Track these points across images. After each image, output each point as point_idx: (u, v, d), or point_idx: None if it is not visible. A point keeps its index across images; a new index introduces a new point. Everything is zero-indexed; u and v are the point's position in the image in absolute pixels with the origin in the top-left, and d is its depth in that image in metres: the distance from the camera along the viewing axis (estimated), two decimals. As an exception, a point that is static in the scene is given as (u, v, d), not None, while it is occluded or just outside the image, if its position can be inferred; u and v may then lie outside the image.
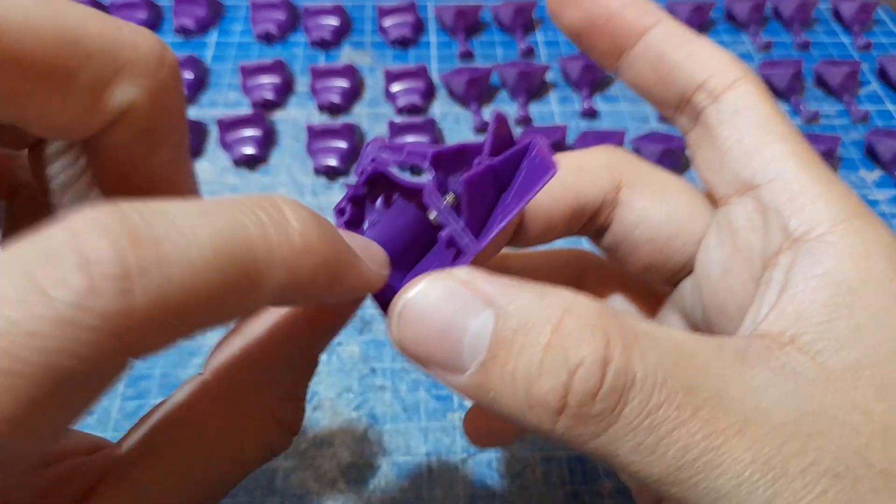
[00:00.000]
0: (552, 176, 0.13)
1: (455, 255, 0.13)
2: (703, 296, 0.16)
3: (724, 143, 0.15)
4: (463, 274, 0.12)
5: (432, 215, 0.13)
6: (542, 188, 0.13)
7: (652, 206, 0.17)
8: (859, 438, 0.11)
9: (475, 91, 0.39)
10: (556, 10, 0.16)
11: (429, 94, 0.40)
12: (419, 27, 0.44)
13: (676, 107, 0.16)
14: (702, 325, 0.17)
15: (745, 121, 0.15)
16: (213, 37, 0.43)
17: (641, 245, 0.17)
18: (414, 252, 0.14)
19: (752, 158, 0.15)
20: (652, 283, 0.19)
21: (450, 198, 0.13)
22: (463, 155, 0.13)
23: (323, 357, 0.29)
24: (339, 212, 0.14)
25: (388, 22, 0.43)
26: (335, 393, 0.28)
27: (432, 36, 0.44)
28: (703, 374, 0.11)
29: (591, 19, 0.16)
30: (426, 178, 0.13)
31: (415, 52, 0.43)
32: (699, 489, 0.11)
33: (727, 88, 0.15)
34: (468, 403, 0.28)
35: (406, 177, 0.13)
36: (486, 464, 0.26)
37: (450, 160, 0.13)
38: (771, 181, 0.14)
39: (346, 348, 0.29)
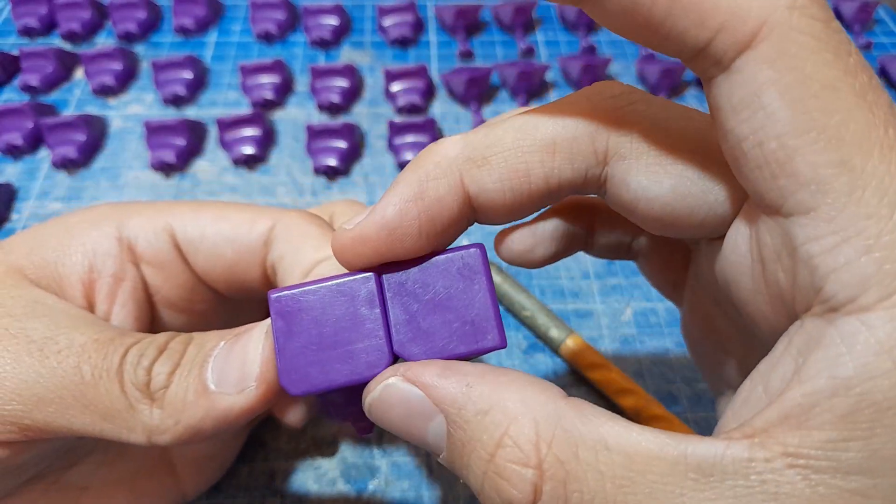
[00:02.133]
0: (491, 349, 0.13)
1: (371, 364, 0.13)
2: (730, 288, 0.13)
3: (739, 143, 0.10)
4: (419, 374, 0.12)
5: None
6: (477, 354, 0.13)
7: (651, 184, 0.13)
8: None
9: (475, 90, 0.39)
10: None
11: (429, 93, 0.40)
12: (419, 26, 0.44)
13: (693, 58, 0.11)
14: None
15: (767, 106, 0.10)
16: (212, 36, 0.43)
17: (646, 222, 0.14)
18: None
19: (778, 172, 0.10)
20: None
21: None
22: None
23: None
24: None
25: (387, 21, 0.43)
26: (335, 393, 0.28)
27: (432, 35, 0.44)
28: (653, 493, 0.10)
29: None
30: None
31: (415, 52, 0.43)
32: None
33: (741, 49, 0.10)
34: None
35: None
36: (486, 464, 0.26)
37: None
38: (804, 214, 0.10)
39: (345, 348, 0.29)
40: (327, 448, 0.27)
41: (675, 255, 0.17)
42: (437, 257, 0.13)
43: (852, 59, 0.10)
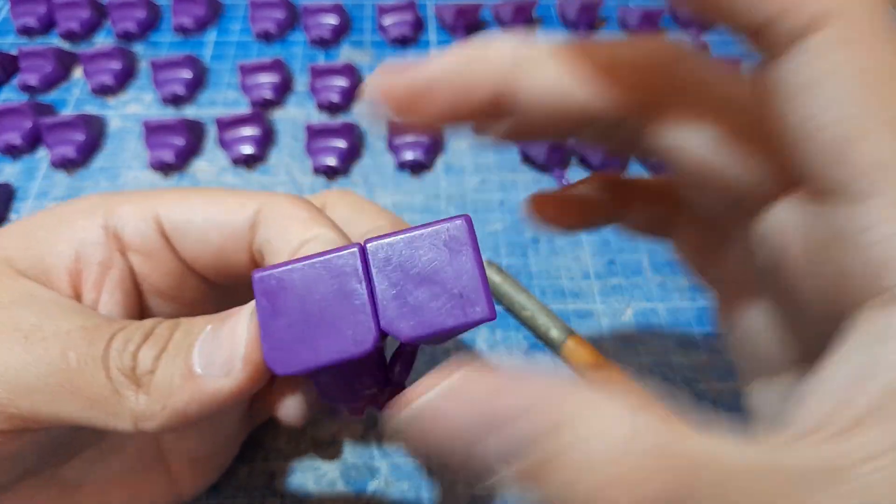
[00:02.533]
0: (480, 322, 0.13)
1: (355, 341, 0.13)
2: (775, 272, 0.13)
3: (800, 124, 0.10)
4: (490, 381, 0.11)
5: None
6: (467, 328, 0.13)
7: (691, 136, 0.12)
8: None
9: (475, 90, 0.39)
10: None
11: (428, 92, 0.40)
12: (419, 25, 0.44)
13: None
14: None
15: (835, 89, 0.10)
16: (211, 35, 0.43)
17: (680, 176, 0.13)
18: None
19: (839, 157, 0.10)
20: None
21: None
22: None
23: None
24: None
25: (387, 20, 0.43)
26: (335, 394, 0.28)
27: (432, 34, 0.44)
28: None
29: None
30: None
31: (415, 51, 0.43)
32: None
33: (810, 29, 0.10)
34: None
35: None
36: (486, 465, 0.26)
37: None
38: (863, 201, 0.10)
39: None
40: (327, 449, 0.26)
41: (711, 235, 0.16)
42: (422, 230, 0.13)
43: None
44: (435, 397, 0.11)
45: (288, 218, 0.17)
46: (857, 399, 0.10)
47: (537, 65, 0.13)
